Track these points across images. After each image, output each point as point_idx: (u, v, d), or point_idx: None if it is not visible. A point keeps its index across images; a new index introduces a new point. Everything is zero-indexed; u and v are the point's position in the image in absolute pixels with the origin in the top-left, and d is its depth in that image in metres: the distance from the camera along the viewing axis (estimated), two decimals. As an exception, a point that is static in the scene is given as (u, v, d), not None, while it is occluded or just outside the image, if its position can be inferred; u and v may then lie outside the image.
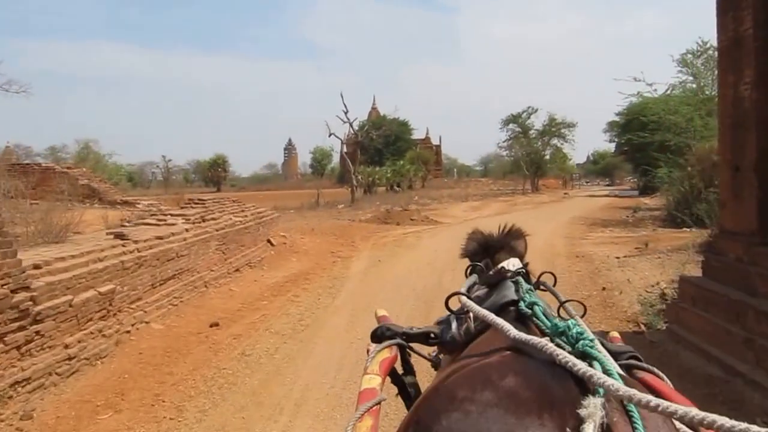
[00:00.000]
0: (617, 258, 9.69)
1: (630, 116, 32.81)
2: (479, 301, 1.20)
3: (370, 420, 0.95)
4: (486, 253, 1.55)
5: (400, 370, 1.32)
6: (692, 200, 13.46)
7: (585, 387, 0.71)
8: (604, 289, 7.31)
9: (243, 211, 10.44)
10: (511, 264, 1.38)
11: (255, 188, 79.60)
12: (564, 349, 0.79)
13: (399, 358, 1.27)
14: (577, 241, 12.47)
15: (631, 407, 0.69)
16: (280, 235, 11.79)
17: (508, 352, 0.84)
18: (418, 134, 67.48)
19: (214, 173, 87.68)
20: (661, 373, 1.08)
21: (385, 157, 55.87)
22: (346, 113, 34.78)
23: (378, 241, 13.06)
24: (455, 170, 75.66)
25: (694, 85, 18.69)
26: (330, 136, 35.17)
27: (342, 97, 34.42)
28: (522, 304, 1.08)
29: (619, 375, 0.79)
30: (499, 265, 1.37)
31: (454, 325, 1.22)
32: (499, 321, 0.94)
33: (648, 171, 38.89)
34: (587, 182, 66.08)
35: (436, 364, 1.45)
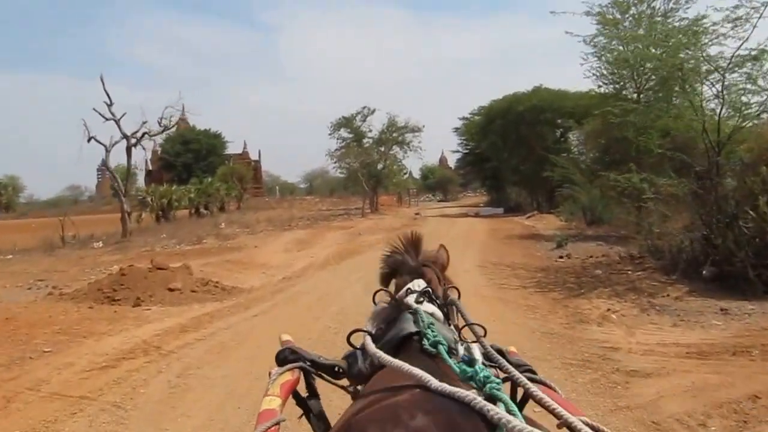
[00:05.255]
0: None
1: (492, 115, 26.83)
2: (381, 333, 1.24)
3: None
4: (398, 273, 1.50)
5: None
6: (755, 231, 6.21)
7: (491, 426, 0.73)
8: None
9: None
10: (417, 285, 1.36)
11: (40, 214, 65.26)
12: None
13: (304, 381, 1.23)
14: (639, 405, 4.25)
15: None
16: None
17: (417, 390, 0.84)
18: (234, 148, 57.99)
19: (-13, 197, 71.94)
20: (553, 384, 1.14)
21: (194, 174, 46.49)
22: (109, 106, 23.68)
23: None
24: (278, 188, 67.07)
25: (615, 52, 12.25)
26: (90, 140, 23.99)
27: (102, 82, 23.43)
28: (426, 343, 1.08)
29: (524, 416, 0.80)
30: (405, 287, 1.35)
31: (360, 358, 1.22)
32: (416, 371, 0.88)
33: (498, 184, 33.67)
34: (428, 198, 60.86)
35: (354, 396, 1.28)
